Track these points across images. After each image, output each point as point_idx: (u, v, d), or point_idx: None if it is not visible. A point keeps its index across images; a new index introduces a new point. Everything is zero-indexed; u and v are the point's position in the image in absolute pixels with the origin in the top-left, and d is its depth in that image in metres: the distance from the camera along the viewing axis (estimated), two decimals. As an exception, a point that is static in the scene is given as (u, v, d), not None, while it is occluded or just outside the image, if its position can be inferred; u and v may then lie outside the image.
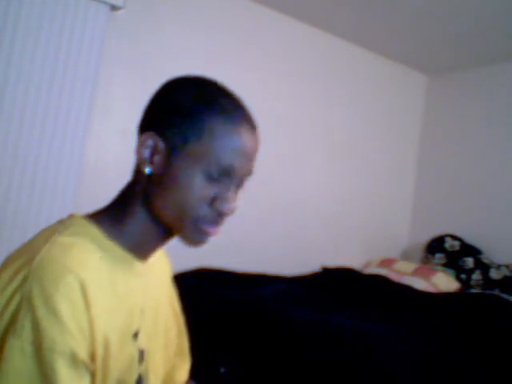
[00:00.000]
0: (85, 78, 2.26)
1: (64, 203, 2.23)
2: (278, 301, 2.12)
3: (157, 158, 0.76)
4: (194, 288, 2.13)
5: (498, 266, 2.88)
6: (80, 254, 0.72)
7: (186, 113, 0.75)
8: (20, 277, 0.67)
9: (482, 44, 2.99)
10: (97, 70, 2.30)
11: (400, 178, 3.60)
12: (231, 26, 2.80)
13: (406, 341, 1.73)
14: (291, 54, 3.03)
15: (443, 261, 3.11)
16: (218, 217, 0.78)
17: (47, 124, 2.19)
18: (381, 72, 3.45)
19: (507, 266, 2.85)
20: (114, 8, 2.34)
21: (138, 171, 0.80)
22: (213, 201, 0.76)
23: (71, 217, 0.80)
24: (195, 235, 0.79)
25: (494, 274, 2.85)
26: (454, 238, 3.15)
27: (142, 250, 0.82)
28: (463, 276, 2.95)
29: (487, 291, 2.74)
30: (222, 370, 1.84)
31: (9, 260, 0.73)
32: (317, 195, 3.16)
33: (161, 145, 0.76)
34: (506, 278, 2.80)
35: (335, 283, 2.74)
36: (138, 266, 0.82)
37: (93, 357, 0.71)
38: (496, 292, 2.69)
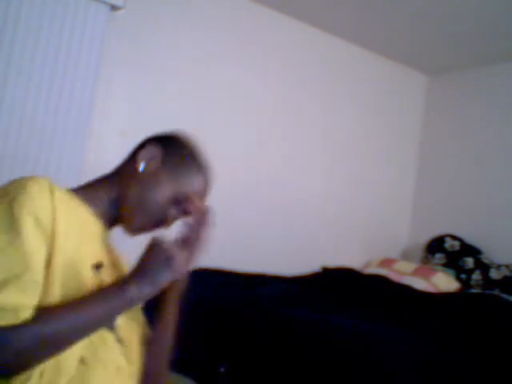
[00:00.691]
0: (85, 78, 2.26)
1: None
2: (278, 301, 2.12)
3: (152, 164, 0.97)
4: (194, 288, 2.12)
5: (498, 266, 2.88)
6: (53, 186, 0.86)
7: (181, 160, 1.01)
8: None
9: (482, 44, 2.99)
10: (97, 70, 2.30)
11: (400, 178, 3.60)
12: (231, 25, 2.80)
13: (406, 341, 1.72)
14: (291, 54, 3.03)
15: (443, 261, 3.11)
16: (157, 227, 0.98)
17: (47, 124, 2.19)
18: (381, 72, 3.45)
19: (507, 266, 2.85)
20: (113, 8, 2.35)
21: (125, 164, 1.01)
22: (166, 214, 0.97)
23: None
24: (137, 229, 0.99)
25: (494, 274, 2.85)
26: (454, 238, 3.15)
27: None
28: (463, 276, 2.95)
29: (487, 291, 2.73)
30: (222, 369, 1.84)
31: None
32: (317, 195, 3.16)
33: (159, 157, 0.98)
34: (506, 277, 2.80)
35: (335, 283, 2.74)
36: (100, 226, 0.96)
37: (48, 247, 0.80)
38: (496, 292, 2.69)
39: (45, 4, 2.15)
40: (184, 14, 2.63)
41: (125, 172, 1.00)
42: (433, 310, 2.28)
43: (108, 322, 0.88)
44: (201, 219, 0.96)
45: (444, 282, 2.84)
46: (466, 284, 2.91)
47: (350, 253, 3.33)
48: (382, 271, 3.01)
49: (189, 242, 0.94)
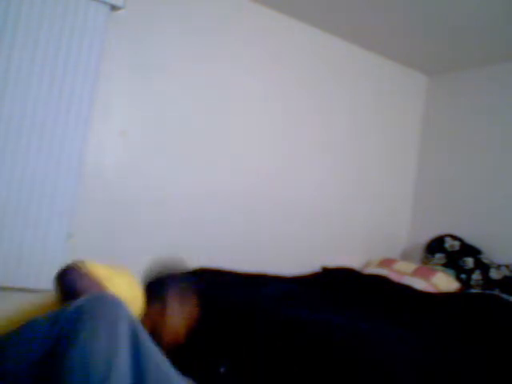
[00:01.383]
0: (85, 78, 2.26)
1: (64, 203, 2.23)
2: (278, 301, 2.12)
3: None
4: (194, 288, 2.12)
5: (498, 266, 2.88)
6: None
7: None
8: None
9: (482, 44, 2.99)
10: (97, 70, 2.30)
11: (400, 178, 3.60)
12: (231, 26, 2.80)
13: (406, 341, 1.72)
14: (291, 54, 3.03)
15: (443, 261, 3.11)
16: None
17: (47, 124, 2.20)
18: (381, 72, 3.45)
19: (507, 266, 2.85)
20: (113, 8, 2.35)
21: None
22: None
23: None
24: None
25: (494, 274, 2.85)
26: (454, 238, 3.15)
27: None
28: (463, 276, 2.95)
29: (487, 291, 2.73)
30: (222, 369, 1.84)
31: None
32: (317, 195, 3.16)
33: None
34: (506, 277, 2.80)
35: (335, 283, 2.74)
36: None
37: None
38: (496, 292, 2.69)
39: (45, 4, 2.15)
40: (184, 13, 2.63)
41: None
42: (433, 309, 2.28)
43: None
44: None
45: (444, 281, 2.84)
46: (466, 284, 2.91)
47: (350, 253, 3.33)
48: (382, 271, 3.01)
49: None
